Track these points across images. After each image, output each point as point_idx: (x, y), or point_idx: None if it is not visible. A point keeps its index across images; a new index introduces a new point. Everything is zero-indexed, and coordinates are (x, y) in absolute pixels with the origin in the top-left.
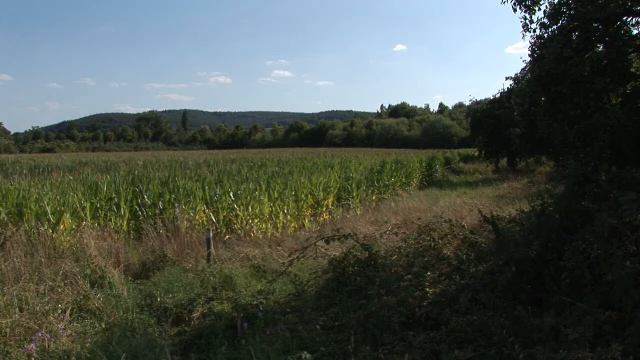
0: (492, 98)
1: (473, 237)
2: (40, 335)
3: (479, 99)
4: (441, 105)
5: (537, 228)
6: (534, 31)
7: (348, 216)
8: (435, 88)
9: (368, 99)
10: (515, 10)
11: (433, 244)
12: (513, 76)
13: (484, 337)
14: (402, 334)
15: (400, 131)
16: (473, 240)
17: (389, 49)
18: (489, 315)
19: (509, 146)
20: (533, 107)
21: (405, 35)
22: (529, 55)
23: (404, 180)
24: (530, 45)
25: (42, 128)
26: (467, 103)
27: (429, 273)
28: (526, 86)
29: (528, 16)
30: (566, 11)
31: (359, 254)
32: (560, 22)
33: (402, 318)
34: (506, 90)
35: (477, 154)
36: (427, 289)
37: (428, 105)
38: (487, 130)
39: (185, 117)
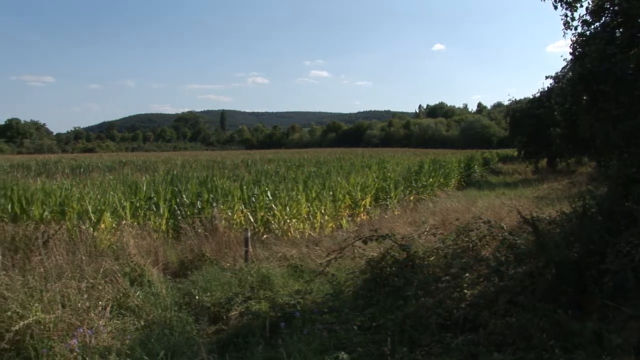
0: (531, 97)
1: (512, 238)
2: (81, 331)
3: (518, 99)
4: (479, 104)
5: (578, 229)
6: (575, 28)
7: (386, 216)
8: (473, 87)
9: (406, 99)
10: (555, 8)
11: (471, 245)
12: (553, 75)
13: (522, 340)
14: (440, 336)
15: (438, 131)
16: (512, 241)
17: (427, 48)
18: (528, 318)
19: (548, 146)
20: (574, 106)
21: (444, 34)
22: (570, 53)
23: (441, 180)
24: (571, 42)
25: (83, 128)
26: (506, 102)
27: (467, 274)
28: (567, 85)
29: (569, 13)
30: (609, 7)
31: (396, 254)
32: (603, 18)
33: (439, 319)
34: (546, 89)
35: (516, 154)
36: (465, 290)
37: (466, 105)
38: (527, 130)
39: (223, 117)
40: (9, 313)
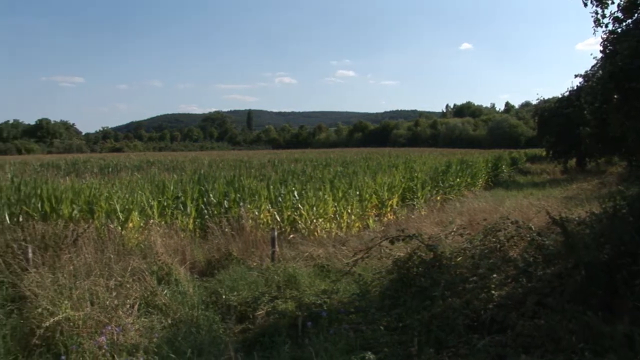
0: (560, 96)
1: (540, 239)
2: (109, 328)
3: (546, 98)
4: (507, 104)
5: (608, 231)
6: (606, 26)
7: (412, 216)
8: (501, 86)
9: (432, 98)
10: (585, 5)
11: (499, 246)
12: (583, 73)
13: (551, 342)
14: (467, 337)
15: (465, 131)
16: (540, 242)
17: (455, 47)
18: (556, 320)
19: (578, 145)
20: (604, 104)
21: (471, 33)
22: (601, 51)
23: (469, 180)
24: (601, 40)
25: (111, 128)
26: (534, 102)
27: (494, 275)
28: (597, 83)
29: (600, 10)
30: None
31: (423, 254)
32: (636, 15)
33: (466, 320)
34: (575, 87)
35: (544, 153)
36: (493, 291)
37: (494, 104)
38: (555, 130)
39: (249, 117)
40: (39, 310)
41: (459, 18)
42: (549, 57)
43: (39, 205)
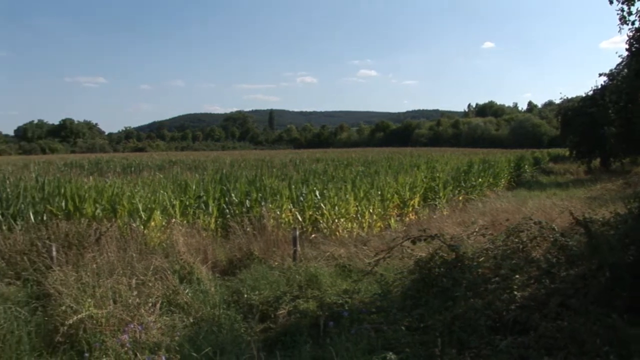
0: (584, 95)
1: (564, 239)
2: (132, 326)
3: (570, 97)
4: (530, 103)
5: (633, 231)
6: (632, 23)
7: (434, 216)
8: (524, 86)
9: (454, 98)
10: (611, 2)
11: (521, 246)
12: (607, 72)
13: (575, 344)
14: (489, 338)
15: (487, 130)
16: (564, 242)
17: (477, 46)
18: (580, 322)
19: (602, 145)
20: (630, 103)
21: (494, 32)
22: (626, 49)
23: (491, 180)
24: (627, 38)
25: (133, 128)
26: (558, 101)
27: (517, 276)
28: (622, 82)
29: (626, 7)
30: None
31: (445, 254)
32: None
33: (488, 321)
34: (600, 86)
35: (567, 153)
36: (515, 292)
37: (516, 104)
38: (579, 129)
39: (271, 116)
40: (63, 307)
41: (481, 16)
42: (573, 56)
43: (63, 204)
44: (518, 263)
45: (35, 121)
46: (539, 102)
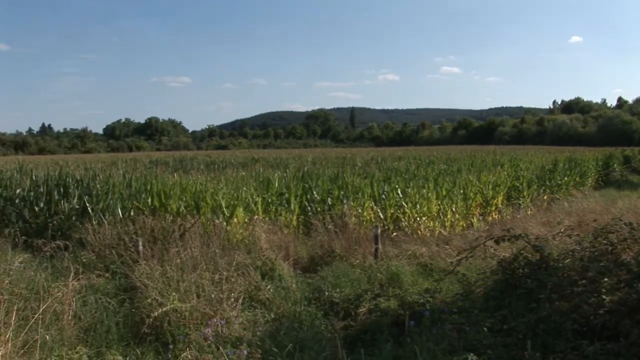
0: None
1: None
2: (215, 320)
3: None
4: (620, 99)
5: None
6: None
7: (518, 216)
8: (613, 80)
9: (539, 94)
10: None
11: (610, 248)
12: None
13: None
14: (575, 342)
15: (573, 128)
16: None
17: (564, 40)
18: None
19: None
20: None
21: (582, 25)
22: None
23: (577, 179)
24: None
25: (216, 126)
26: None
27: (605, 279)
28: None
29: None
30: None
31: (529, 255)
32: None
33: (575, 325)
34: None
35: None
36: (604, 296)
37: (605, 100)
38: None
39: (352, 114)
40: (149, 300)
41: (568, 9)
42: None
43: (149, 200)
44: (607, 265)
45: (123, 120)
46: (630, 98)
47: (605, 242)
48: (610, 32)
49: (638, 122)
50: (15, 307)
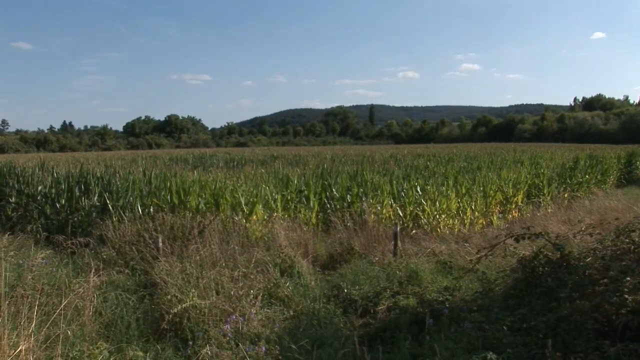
0: None
1: None
2: (234, 317)
3: None
4: None
5: None
6: None
7: (538, 214)
8: (636, 77)
9: (559, 91)
10: None
11: (633, 247)
12: None
13: None
14: (596, 342)
15: (594, 125)
16: None
17: (586, 37)
18: None
19: None
20: None
21: (605, 21)
22: None
23: (598, 177)
24: None
25: (235, 123)
26: None
27: (628, 278)
28: None
29: None
30: None
31: (549, 253)
32: None
33: (596, 325)
34: None
35: None
36: (626, 296)
37: (627, 97)
38: None
39: (371, 111)
40: (169, 296)
41: (591, 6)
42: None
43: (168, 197)
44: (629, 265)
45: (143, 117)
46: None
47: (627, 240)
48: (634, 29)
49: None
50: (38, 302)
